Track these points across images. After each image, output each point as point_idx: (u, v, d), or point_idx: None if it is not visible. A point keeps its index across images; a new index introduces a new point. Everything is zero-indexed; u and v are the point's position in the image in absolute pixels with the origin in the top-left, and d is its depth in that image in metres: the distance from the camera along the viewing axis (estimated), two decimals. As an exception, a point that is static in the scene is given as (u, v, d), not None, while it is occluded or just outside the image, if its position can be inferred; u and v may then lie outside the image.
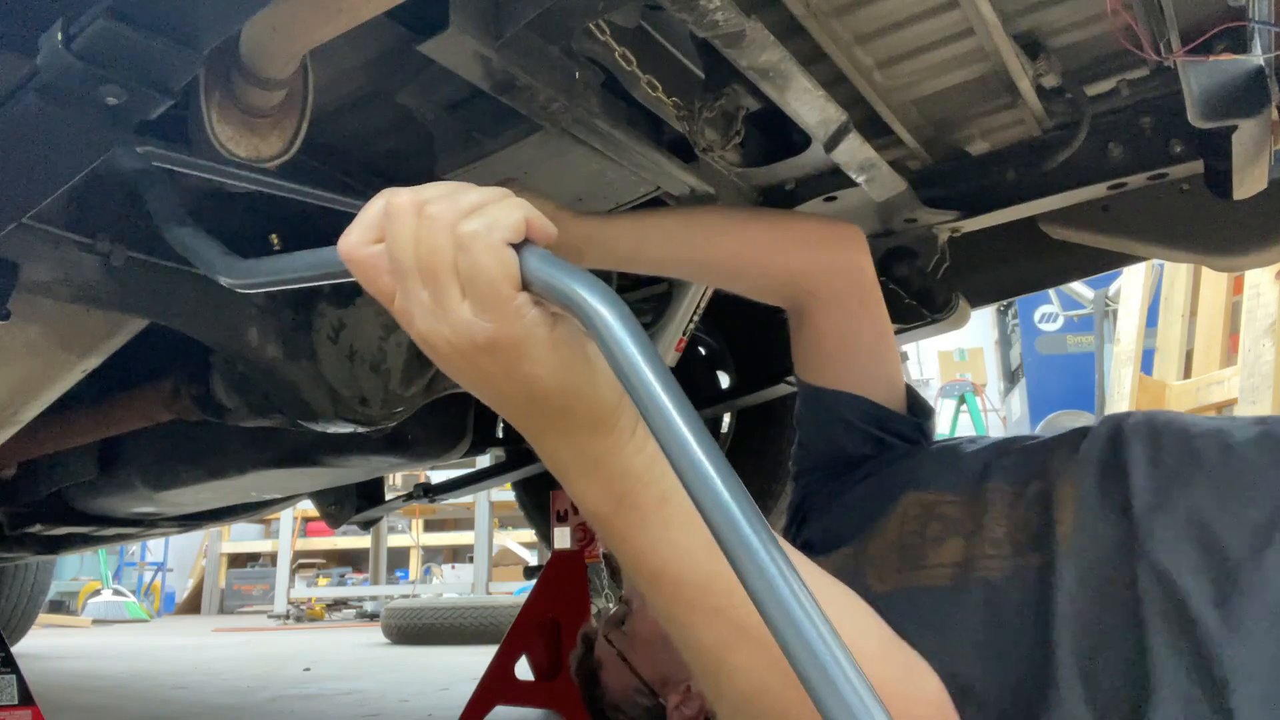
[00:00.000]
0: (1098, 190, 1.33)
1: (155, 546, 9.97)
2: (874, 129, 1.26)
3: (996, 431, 8.77)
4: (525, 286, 0.49)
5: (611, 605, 2.06)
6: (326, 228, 1.20)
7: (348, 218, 0.56)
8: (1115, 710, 0.70)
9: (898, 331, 1.67)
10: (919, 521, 0.97)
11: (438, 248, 0.50)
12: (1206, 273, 3.59)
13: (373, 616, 7.29)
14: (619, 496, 0.56)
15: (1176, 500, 0.79)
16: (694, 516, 0.52)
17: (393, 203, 0.52)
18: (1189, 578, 0.73)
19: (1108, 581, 0.78)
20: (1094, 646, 0.73)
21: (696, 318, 1.74)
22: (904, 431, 1.17)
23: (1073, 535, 0.82)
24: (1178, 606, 0.72)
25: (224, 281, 0.77)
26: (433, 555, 9.62)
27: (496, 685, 2.18)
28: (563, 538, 2.22)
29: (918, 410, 1.20)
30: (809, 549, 1.02)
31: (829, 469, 1.16)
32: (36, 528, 2.19)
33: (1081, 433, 0.95)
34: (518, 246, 0.49)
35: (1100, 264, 1.74)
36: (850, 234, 1.24)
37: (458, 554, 9.50)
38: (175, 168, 0.91)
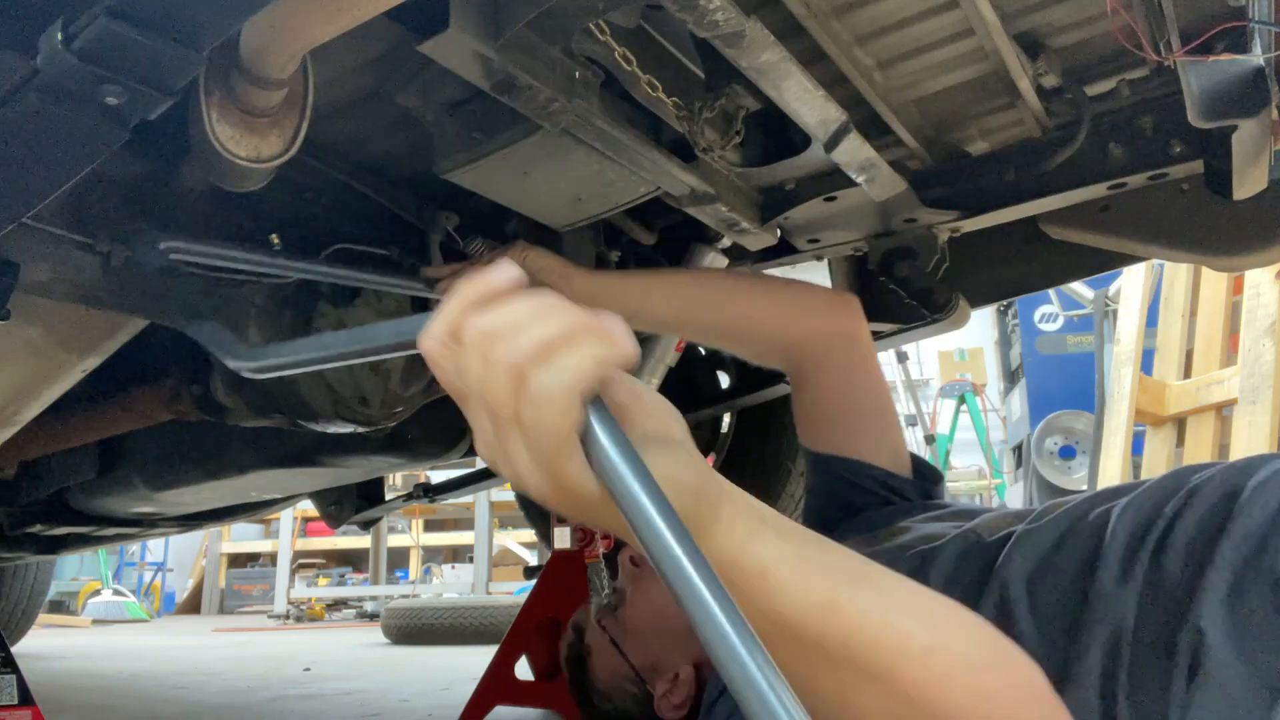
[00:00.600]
0: (1098, 190, 1.33)
1: (155, 546, 9.97)
2: (874, 129, 1.26)
3: (996, 432, 8.77)
4: (584, 448, 0.48)
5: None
6: (323, 229, 1.20)
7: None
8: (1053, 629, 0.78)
9: (898, 332, 1.67)
10: (928, 520, 1.06)
11: (502, 398, 0.48)
12: (1206, 273, 3.59)
13: (373, 616, 7.29)
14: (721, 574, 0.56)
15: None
16: (795, 583, 0.57)
17: (468, 330, 0.50)
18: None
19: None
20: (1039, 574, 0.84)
21: (696, 318, 1.74)
22: (910, 494, 1.22)
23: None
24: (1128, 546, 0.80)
25: (244, 368, 0.83)
26: (433, 555, 9.62)
27: (496, 685, 2.18)
28: (563, 538, 2.22)
29: (924, 475, 1.25)
30: None
31: (835, 528, 1.19)
32: (36, 528, 2.19)
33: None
34: (593, 405, 0.48)
35: (1100, 264, 1.74)
36: (849, 302, 1.32)
37: (458, 554, 9.51)
38: (197, 259, 0.92)
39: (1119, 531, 0.82)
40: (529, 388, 0.47)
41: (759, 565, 0.56)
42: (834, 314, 1.30)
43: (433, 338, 0.51)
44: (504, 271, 0.51)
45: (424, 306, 1.32)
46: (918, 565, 0.94)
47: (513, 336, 0.48)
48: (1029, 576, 0.86)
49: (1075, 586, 0.82)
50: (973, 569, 0.91)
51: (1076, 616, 0.80)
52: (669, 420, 0.55)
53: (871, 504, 1.19)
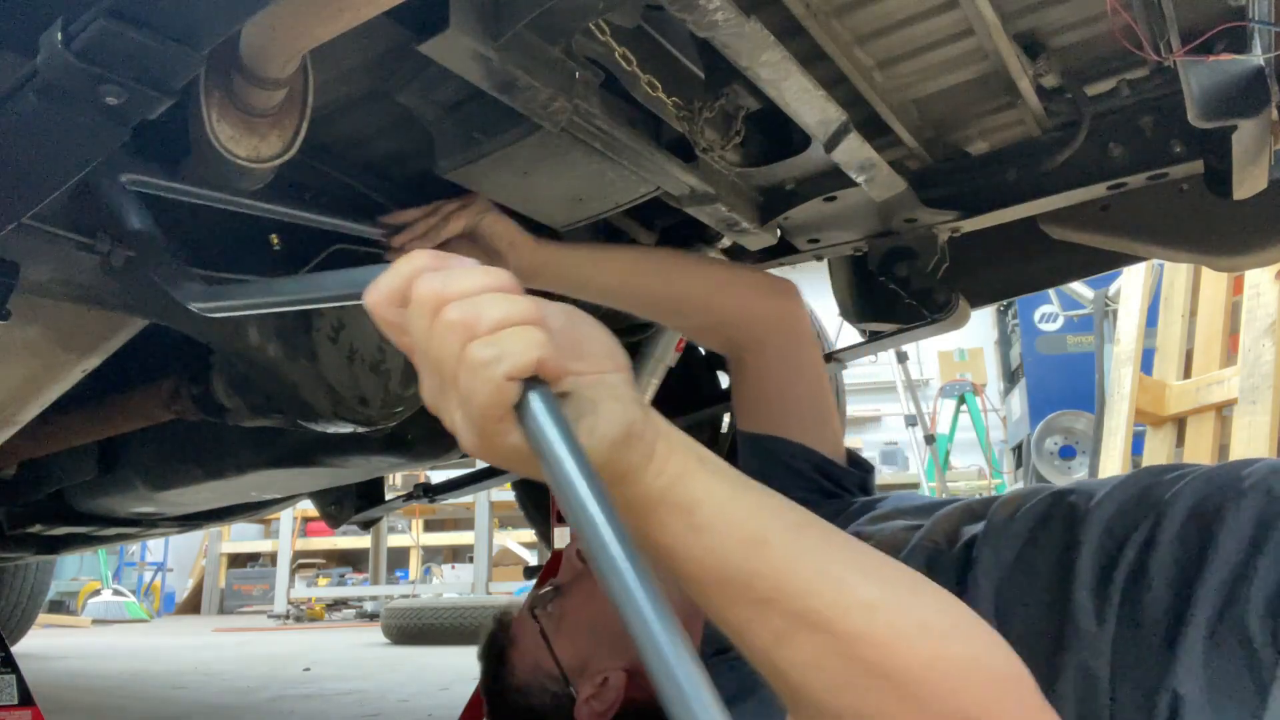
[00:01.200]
0: (1098, 190, 1.33)
1: (155, 546, 9.96)
2: (874, 129, 1.26)
3: (996, 432, 8.77)
4: (519, 418, 0.51)
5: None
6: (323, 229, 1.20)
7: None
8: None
9: (898, 331, 1.67)
10: (878, 521, 1.04)
11: (445, 358, 0.52)
12: (1206, 273, 3.59)
13: (373, 616, 7.29)
14: (645, 518, 0.57)
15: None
16: (724, 519, 0.57)
17: (419, 288, 0.53)
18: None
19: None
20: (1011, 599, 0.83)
21: (696, 318, 1.74)
22: (848, 484, 1.21)
23: (1011, 514, 0.91)
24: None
25: (200, 309, 0.83)
26: (433, 555, 9.62)
27: (496, 685, 2.17)
28: (563, 537, 2.22)
29: (860, 466, 1.25)
30: None
31: None
32: (36, 528, 2.19)
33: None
34: (526, 381, 0.51)
35: (1100, 264, 1.74)
36: (788, 286, 1.34)
37: (458, 554, 9.50)
38: (158, 192, 0.92)
39: (1087, 561, 0.81)
40: (469, 359, 0.51)
41: (688, 501, 0.57)
42: (775, 295, 1.31)
43: (380, 292, 0.55)
44: (463, 260, 0.55)
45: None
46: None
47: (465, 305, 0.52)
48: (996, 599, 0.84)
49: (1045, 615, 0.80)
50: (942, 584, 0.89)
51: (1049, 647, 0.79)
52: (605, 364, 0.57)
53: (813, 494, 1.17)
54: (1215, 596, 0.73)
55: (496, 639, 1.22)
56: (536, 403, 0.51)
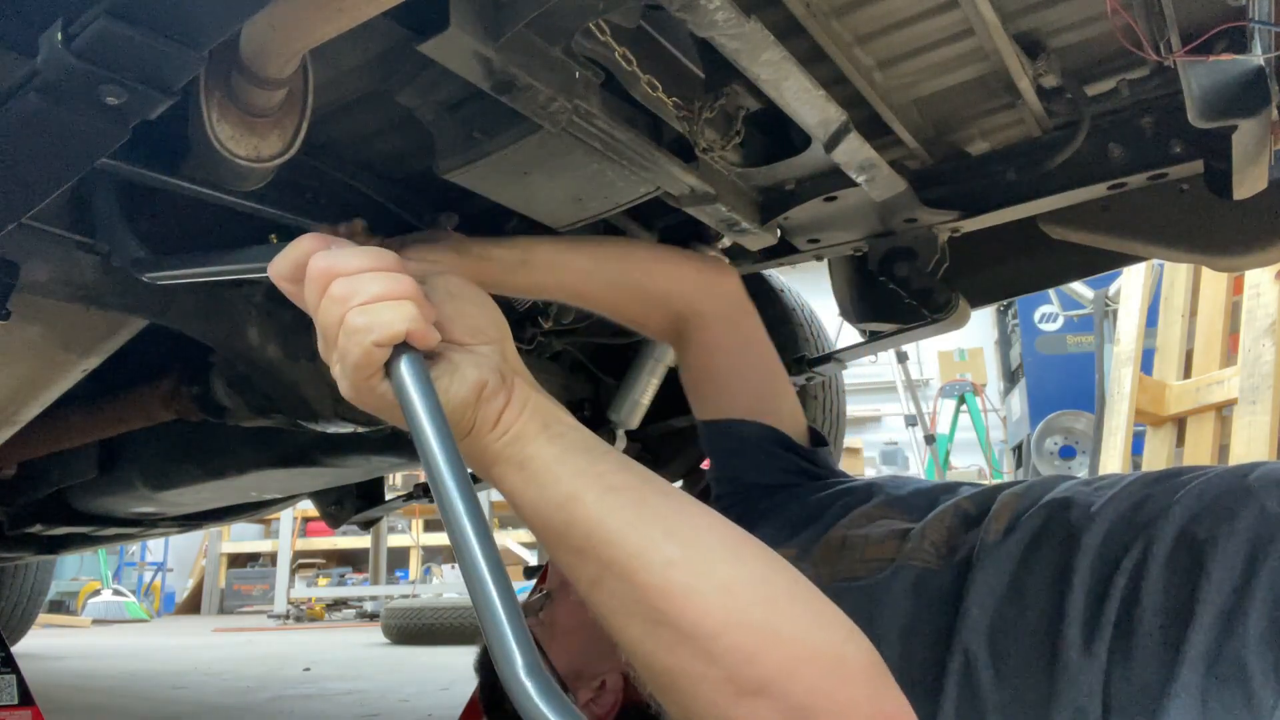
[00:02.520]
0: (1098, 190, 1.33)
1: (155, 546, 9.97)
2: (874, 129, 1.26)
3: (996, 432, 8.77)
4: (387, 375, 0.63)
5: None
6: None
7: None
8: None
9: (898, 331, 1.67)
10: (864, 522, 1.01)
11: (329, 324, 0.64)
12: (1206, 273, 3.59)
13: (373, 616, 7.29)
14: (488, 469, 0.69)
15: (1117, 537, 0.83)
16: (548, 476, 0.67)
17: (312, 266, 0.66)
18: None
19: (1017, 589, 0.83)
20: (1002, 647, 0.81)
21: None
22: (818, 461, 1.19)
23: (1004, 530, 0.88)
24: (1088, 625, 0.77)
25: (145, 278, 0.94)
26: (433, 555, 9.61)
27: (496, 685, 2.17)
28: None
29: (822, 441, 1.22)
30: None
31: (746, 497, 1.16)
32: (36, 528, 2.19)
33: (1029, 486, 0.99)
34: (397, 346, 0.63)
35: (1100, 264, 1.74)
36: (721, 260, 1.36)
37: (458, 554, 9.49)
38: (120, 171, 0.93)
39: (1079, 592, 0.79)
40: (347, 325, 0.63)
41: (520, 458, 0.67)
42: (710, 268, 1.27)
43: (279, 268, 0.70)
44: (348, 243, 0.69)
45: None
46: (863, 603, 0.85)
47: (348, 280, 0.64)
48: (990, 631, 0.82)
49: (1038, 648, 0.78)
50: (932, 615, 0.85)
51: (1044, 687, 0.77)
52: (482, 335, 0.70)
53: (792, 475, 1.15)
54: (1209, 633, 0.71)
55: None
56: (404, 365, 0.62)
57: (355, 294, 0.63)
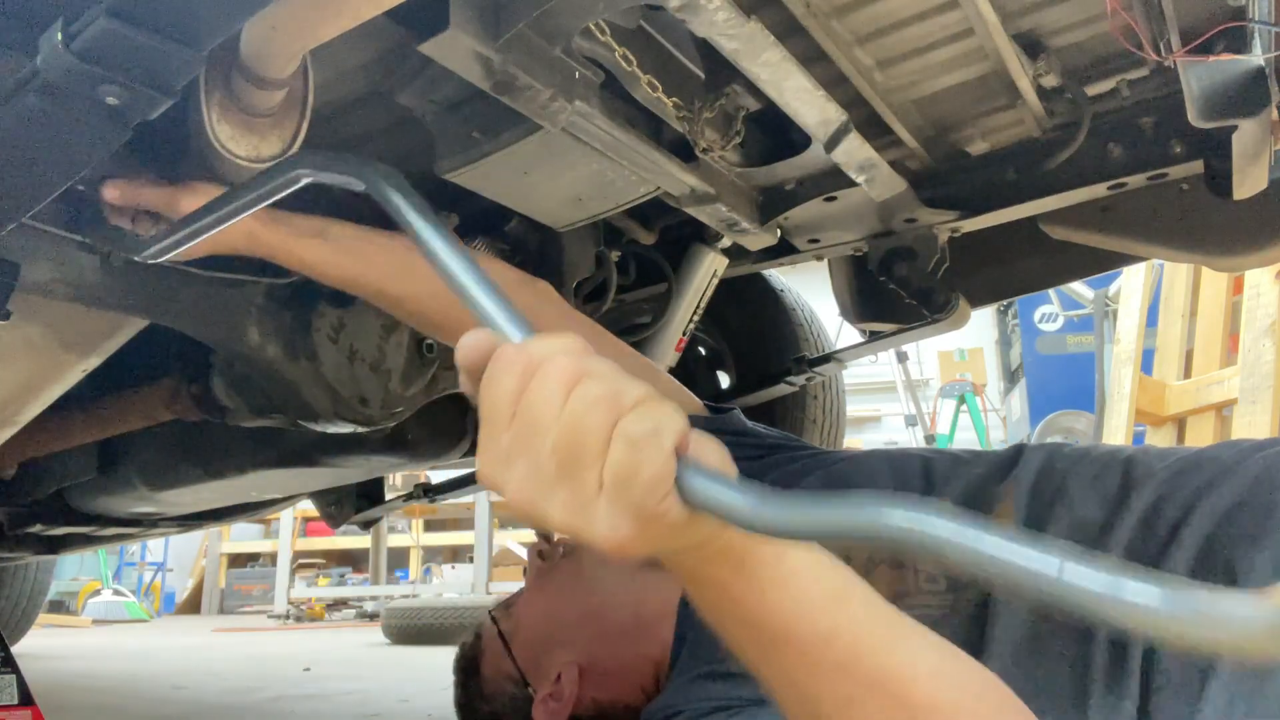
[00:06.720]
0: (1098, 190, 1.33)
1: (155, 546, 9.96)
2: (874, 129, 1.26)
3: (996, 432, 8.77)
4: (683, 499, 0.47)
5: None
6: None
7: None
8: None
9: (898, 331, 1.67)
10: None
11: (592, 429, 0.46)
12: (1206, 273, 3.59)
13: (373, 616, 7.29)
14: (737, 569, 0.54)
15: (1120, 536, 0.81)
16: (814, 568, 0.55)
17: (538, 356, 0.49)
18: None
19: (1042, 620, 0.79)
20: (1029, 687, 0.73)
21: (696, 318, 1.74)
22: (731, 425, 1.17)
23: None
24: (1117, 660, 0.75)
25: (149, 257, 0.89)
26: (433, 555, 9.62)
27: (496, 685, 2.17)
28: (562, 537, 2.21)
29: (719, 411, 1.20)
30: None
31: None
32: (36, 528, 2.19)
33: (1012, 459, 0.96)
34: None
35: (1100, 264, 1.74)
36: (541, 281, 1.20)
37: (458, 554, 9.50)
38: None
39: (1100, 637, 0.77)
40: (627, 434, 0.46)
41: (775, 550, 0.54)
42: (526, 277, 1.18)
43: (513, 354, 0.50)
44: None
45: None
46: None
47: (600, 381, 0.48)
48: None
49: (1062, 703, 0.77)
50: None
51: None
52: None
53: (746, 453, 1.11)
54: (1232, 682, 0.70)
55: (466, 650, 1.21)
56: (691, 468, 0.47)
57: (621, 393, 0.47)
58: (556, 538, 1.20)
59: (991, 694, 0.57)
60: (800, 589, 0.54)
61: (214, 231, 0.82)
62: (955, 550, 0.39)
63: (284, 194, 0.73)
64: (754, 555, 0.54)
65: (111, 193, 0.91)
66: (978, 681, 0.58)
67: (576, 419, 0.47)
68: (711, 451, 0.49)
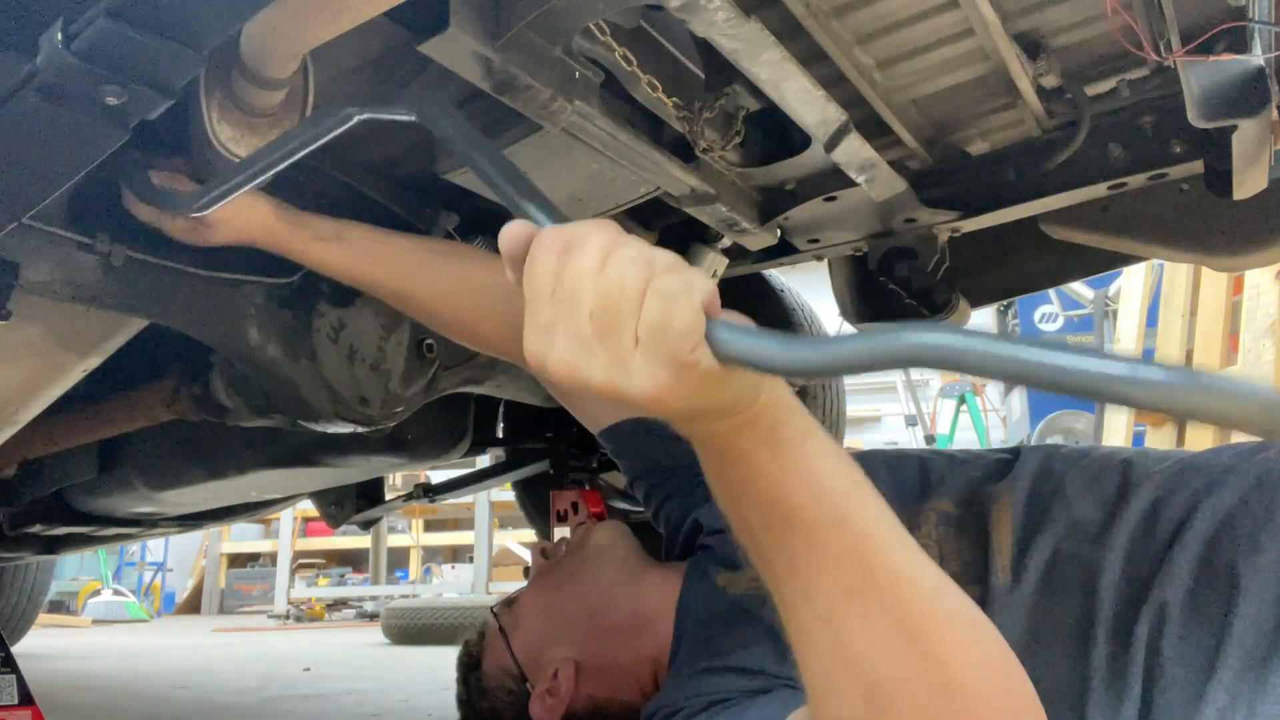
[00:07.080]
0: (1098, 190, 1.33)
1: (155, 546, 9.97)
2: (874, 129, 1.26)
3: (996, 432, 8.77)
4: (713, 350, 0.50)
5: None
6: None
7: None
8: None
9: (897, 332, 1.67)
10: None
11: (628, 289, 0.49)
12: (1206, 273, 3.59)
13: (373, 616, 7.29)
14: (767, 433, 0.56)
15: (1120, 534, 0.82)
16: (835, 457, 0.57)
17: (578, 237, 0.51)
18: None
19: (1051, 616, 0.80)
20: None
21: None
22: None
23: (1011, 567, 0.84)
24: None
25: (192, 212, 0.88)
26: (433, 555, 9.62)
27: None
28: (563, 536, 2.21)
29: None
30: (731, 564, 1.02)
31: (679, 482, 1.16)
32: (36, 528, 2.19)
33: (1010, 460, 0.97)
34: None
35: (1100, 264, 1.74)
36: None
37: (458, 554, 9.50)
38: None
39: (1101, 641, 0.78)
40: (661, 288, 0.49)
41: (804, 427, 0.57)
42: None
43: (551, 235, 0.53)
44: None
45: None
46: None
47: (635, 245, 0.51)
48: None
49: (1062, 709, 0.77)
50: None
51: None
52: None
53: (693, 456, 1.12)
54: (1234, 683, 0.70)
55: (470, 646, 1.22)
56: (720, 323, 0.50)
57: (654, 257, 0.50)
58: (559, 537, 1.21)
59: (981, 623, 0.58)
60: (821, 470, 0.56)
61: (266, 177, 0.79)
62: (974, 356, 0.41)
63: (336, 133, 0.74)
64: (783, 428, 0.55)
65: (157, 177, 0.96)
66: (970, 609, 0.58)
67: (612, 283, 0.49)
68: (737, 316, 0.51)
